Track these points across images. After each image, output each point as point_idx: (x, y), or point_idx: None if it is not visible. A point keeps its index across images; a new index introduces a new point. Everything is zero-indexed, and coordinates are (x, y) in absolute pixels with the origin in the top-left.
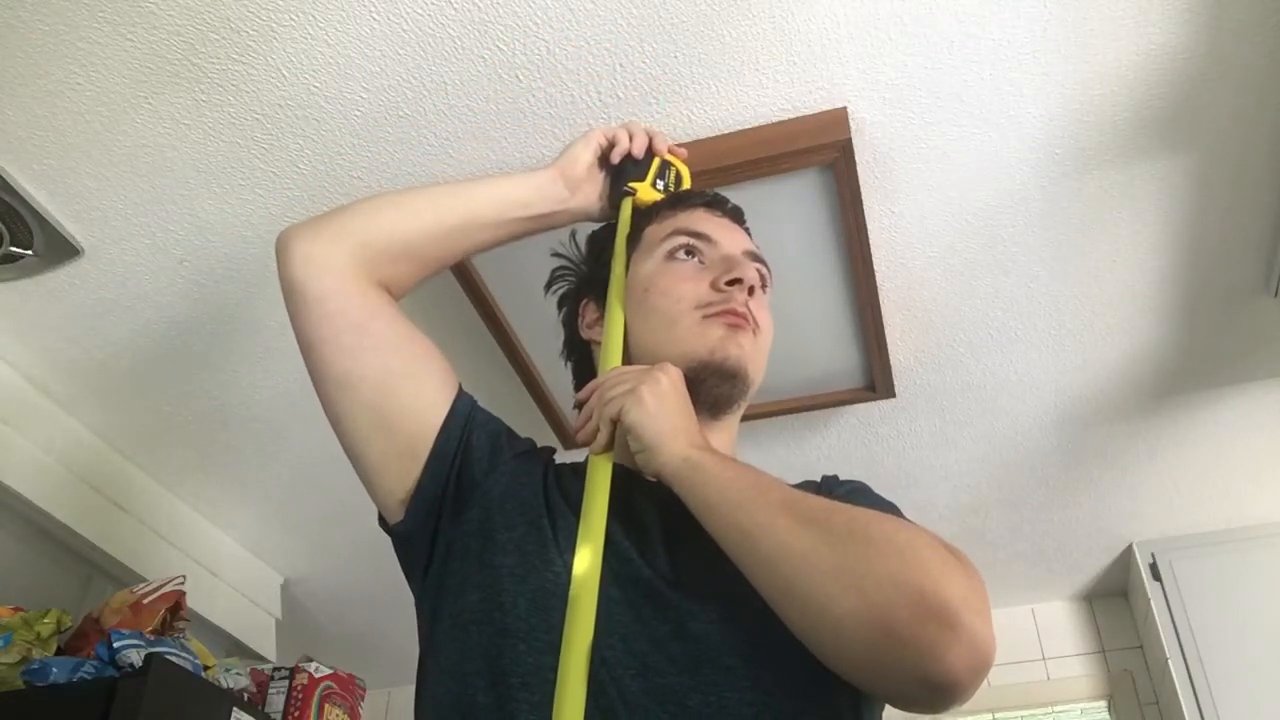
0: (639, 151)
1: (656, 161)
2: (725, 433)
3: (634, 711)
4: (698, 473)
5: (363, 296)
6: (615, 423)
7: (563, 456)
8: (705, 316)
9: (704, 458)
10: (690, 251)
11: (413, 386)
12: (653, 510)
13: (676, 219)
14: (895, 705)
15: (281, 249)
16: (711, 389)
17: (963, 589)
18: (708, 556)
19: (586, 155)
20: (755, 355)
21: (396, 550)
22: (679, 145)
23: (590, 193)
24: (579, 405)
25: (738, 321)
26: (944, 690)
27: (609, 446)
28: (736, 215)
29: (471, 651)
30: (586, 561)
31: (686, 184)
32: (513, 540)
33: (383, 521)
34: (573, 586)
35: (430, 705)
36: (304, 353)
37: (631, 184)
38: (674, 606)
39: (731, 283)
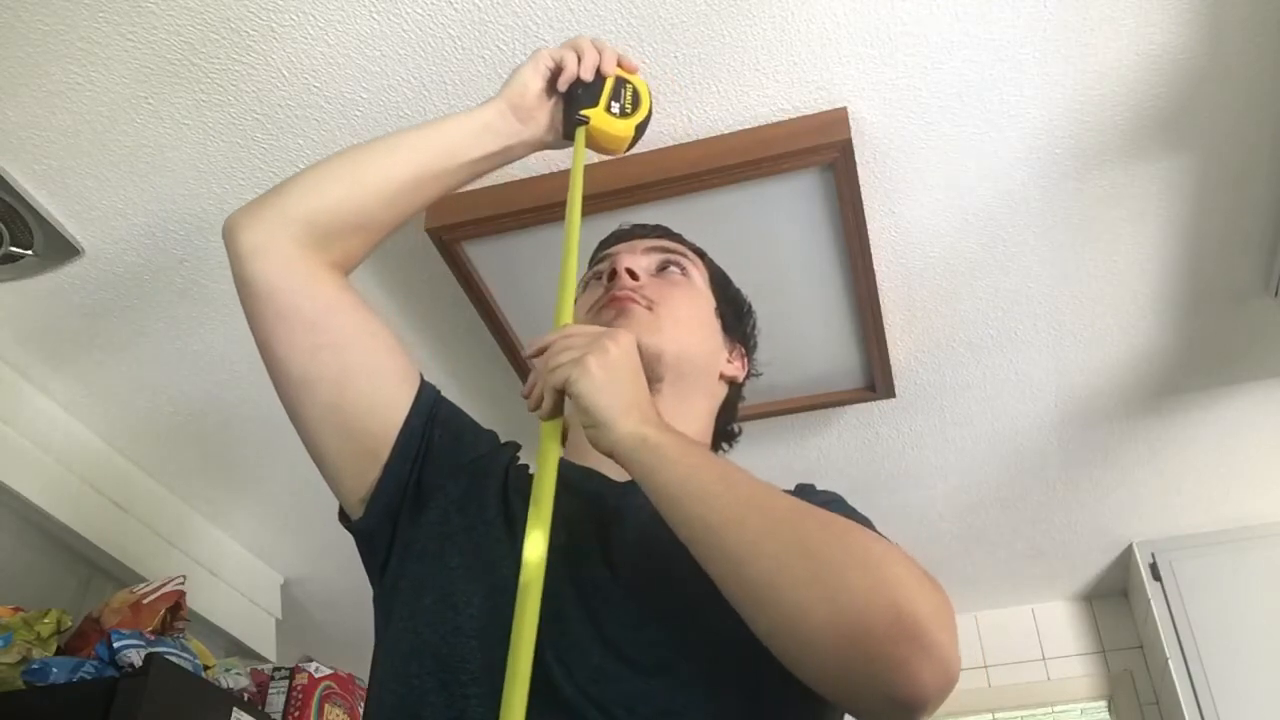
0: (588, 74)
1: (610, 81)
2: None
3: (586, 713)
4: (656, 456)
5: (316, 286)
6: (561, 392)
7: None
8: (594, 317)
9: (663, 439)
10: (596, 277)
11: (372, 385)
12: (619, 512)
13: (594, 266)
14: (857, 718)
15: (228, 239)
16: None
17: (934, 606)
18: (673, 559)
19: (535, 83)
20: (654, 327)
21: (358, 547)
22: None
23: (543, 120)
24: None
25: (617, 305)
26: (911, 708)
27: (556, 413)
28: (644, 233)
29: (423, 651)
30: (537, 542)
31: (645, 101)
32: (470, 541)
33: (343, 517)
34: (523, 568)
35: (378, 704)
36: (260, 351)
37: (585, 112)
38: (633, 611)
39: (610, 278)
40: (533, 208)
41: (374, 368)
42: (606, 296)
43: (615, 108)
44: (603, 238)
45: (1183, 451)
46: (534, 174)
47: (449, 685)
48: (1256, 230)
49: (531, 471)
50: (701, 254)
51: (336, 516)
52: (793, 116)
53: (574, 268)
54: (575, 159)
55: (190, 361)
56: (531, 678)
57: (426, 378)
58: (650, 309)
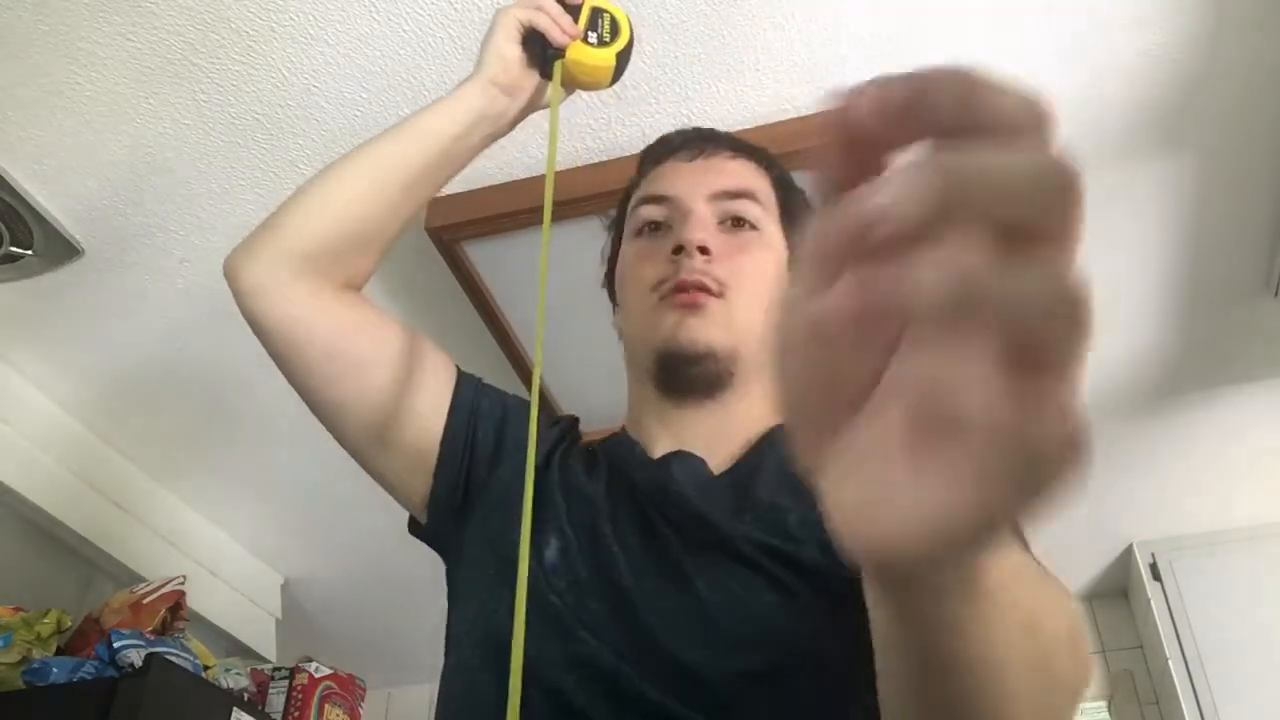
0: (566, 28)
1: (585, 10)
2: (734, 415)
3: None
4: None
5: (325, 314)
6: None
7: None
8: (660, 299)
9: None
10: (654, 225)
11: (405, 399)
12: (661, 485)
13: (646, 182)
14: None
15: (229, 279)
16: (685, 374)
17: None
18: (708, 526)
19: (513, 50)
20: (725, 323)
21: (436, 550)
22: None
23: (529, 86)
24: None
25: (687, 300)
26: None
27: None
28: (717, 146)
29: (463, 658)
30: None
31: (625, 29)
32: (509, 542)
33: (413, 525)
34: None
35: (443, 708)
36: (291, 384)
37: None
38: (673, 579)
39: (676, 251)
40: (533, 208)
41: (402, 381)
42: (673, 284)
43: (592, 37)
44: (648, 146)
45: (1183, 451)
46: (534, 174)
47: (479, 688)
48: (1256, 230)
49: (582, 450)
50: (769, 167)
51: (406, 528)
52: (793, 116)
53: (547, 229)
54: (553, 99)
55: (190, 361)
56: (571, 655)
57: None
58: (721, 295)
